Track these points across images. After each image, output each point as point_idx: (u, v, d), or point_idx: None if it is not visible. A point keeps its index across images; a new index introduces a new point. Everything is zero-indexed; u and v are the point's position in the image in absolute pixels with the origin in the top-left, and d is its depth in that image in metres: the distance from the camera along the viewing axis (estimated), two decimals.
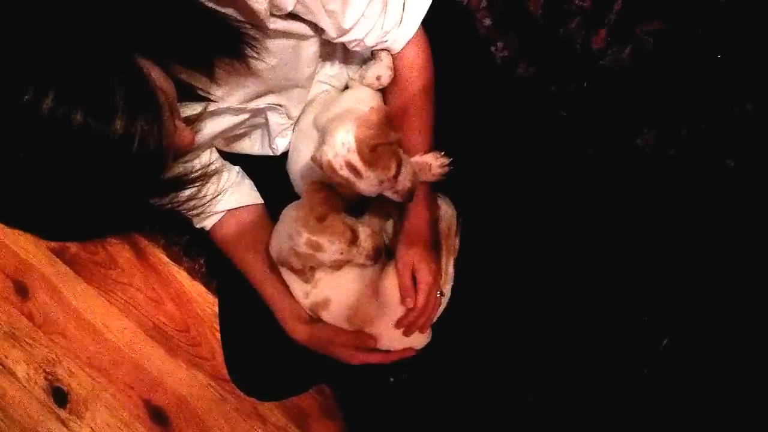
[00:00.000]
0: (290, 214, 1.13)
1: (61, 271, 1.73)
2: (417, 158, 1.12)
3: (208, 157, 1.19)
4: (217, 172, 1.19)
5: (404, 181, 1.03)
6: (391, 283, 1.16)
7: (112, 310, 1.68)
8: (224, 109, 1.05)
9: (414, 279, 1.15)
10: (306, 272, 1.13)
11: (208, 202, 1.11)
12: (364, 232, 1.12)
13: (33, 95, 0.58)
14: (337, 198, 1.09)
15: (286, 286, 1.19)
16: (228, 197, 1.23)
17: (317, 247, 1.07)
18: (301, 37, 1.01)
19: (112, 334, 1.65)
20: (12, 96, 0.57)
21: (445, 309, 1.21)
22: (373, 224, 1.20)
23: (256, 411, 1.61)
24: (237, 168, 1.29)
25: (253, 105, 1.10)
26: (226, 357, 1.29)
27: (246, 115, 1.13)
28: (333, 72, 1.24)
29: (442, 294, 1.19)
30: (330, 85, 1.24)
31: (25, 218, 0.65)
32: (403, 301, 1.15)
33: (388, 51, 1.12)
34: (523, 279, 1.29)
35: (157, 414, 1.66)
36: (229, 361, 1.29)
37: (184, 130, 0.78)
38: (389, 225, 1.25)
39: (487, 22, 1.45)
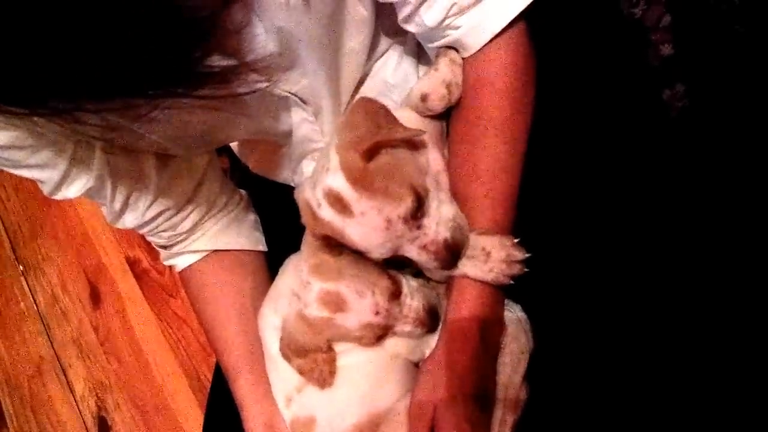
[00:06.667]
0: (293, 262, 0.75)
1: (130, 285, 1.54)
2: (472, 237, 0.68)
3: (204, 161, 0.80)
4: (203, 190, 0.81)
5: (434, 226, 0.64)
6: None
7: (164, 347, 1.45)
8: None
9: None
10: (317, 354, 0.70)
11: (185, 234, 0.81)
12: (409, 285, 0.71)
13: None
14: None
15: (268, 382, 0.77)
16: (214, 233, 0.83)
17: (337, 305, 0.67)
18: None
19: (160, 376, 1.42)
20: None
21: None
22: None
23: None
24: (242, 194, 0.89)
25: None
26: None
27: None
28: (395, 80, 0.81)
29: None
30: (392, 99, 0.81)
31: None
32: None
33: (458, 52, 0.70)
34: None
35: None
36: None
37: None
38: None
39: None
